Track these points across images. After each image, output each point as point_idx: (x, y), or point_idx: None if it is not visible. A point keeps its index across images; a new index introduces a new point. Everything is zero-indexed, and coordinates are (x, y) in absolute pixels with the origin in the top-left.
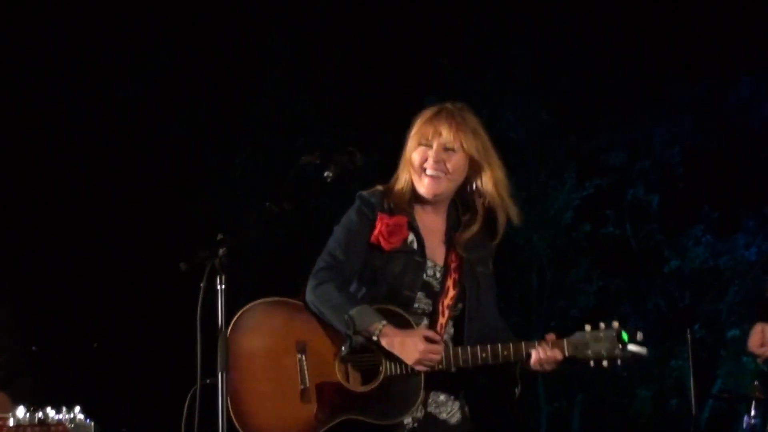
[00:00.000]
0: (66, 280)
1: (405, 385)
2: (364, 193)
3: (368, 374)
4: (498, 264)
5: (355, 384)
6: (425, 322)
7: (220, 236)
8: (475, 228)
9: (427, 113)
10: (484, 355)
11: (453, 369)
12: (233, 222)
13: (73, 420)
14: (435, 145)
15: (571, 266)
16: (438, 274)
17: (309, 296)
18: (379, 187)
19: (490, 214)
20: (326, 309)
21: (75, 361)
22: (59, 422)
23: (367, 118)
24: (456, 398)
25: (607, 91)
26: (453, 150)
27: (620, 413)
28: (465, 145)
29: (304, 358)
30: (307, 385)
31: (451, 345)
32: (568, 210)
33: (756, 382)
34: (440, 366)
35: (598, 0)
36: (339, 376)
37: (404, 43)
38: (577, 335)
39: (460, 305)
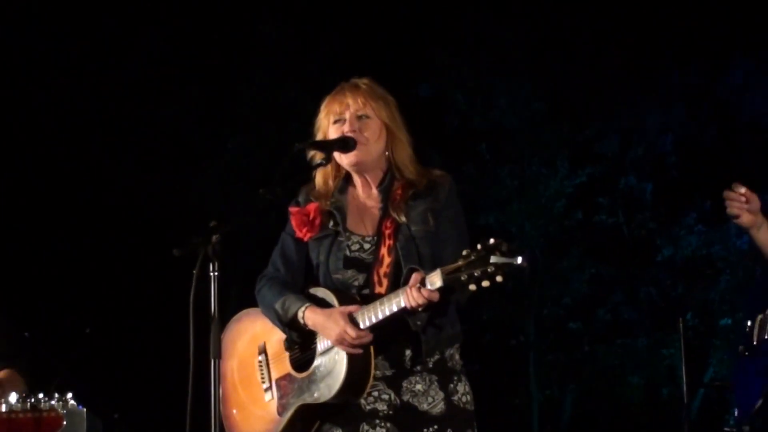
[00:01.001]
0: (57, 266)
1: (334, 363)
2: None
3: (311, 358)
4: None
5: (302, 370)
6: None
7: (213, 223)
8: (409, 191)
9: (331, 93)
10: (369, 314)
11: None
12: (226, 208)
13: (65, 406)
14: (348, 116)
15: (564, 254)
16: (367, 246)
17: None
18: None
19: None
20: (265, 311)
21: (67, 347)
22: (52, 408)
23: None
24: (441, 388)
25: (600, 79)
26: (366, 116)
27: (612, 401)
28: (377, 112)
29: (264, 357)
30: (269, 383)
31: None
32: (560, 198)
33: None
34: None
35: None
36: (289, 366)
37: (397, 29)
38: (452, 264)
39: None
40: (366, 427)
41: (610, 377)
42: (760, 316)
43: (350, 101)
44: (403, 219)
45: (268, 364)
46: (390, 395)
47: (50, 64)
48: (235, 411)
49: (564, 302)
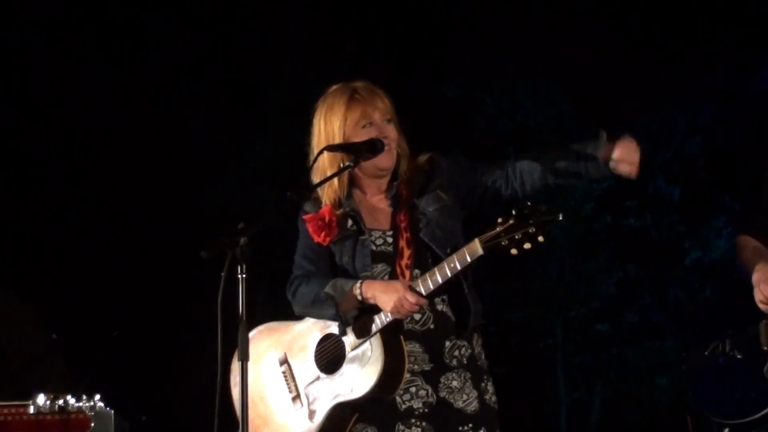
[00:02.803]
0: (87, 270)
1: (369, 355)
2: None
3: (340, 358)
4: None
5: (331, 371)
6: None
7: (241, 225)
8: (413, 188)
9: (342, 95)
10: (434, 278)
11: (426, 299)
12: (254, 211)
13: (93, 408)
14: (377, 119)
15: (592, 256)
16: (389, 239)
17: (295, 309)
18: (311, 184)
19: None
20: (309, 307)
21: (95, 349)
22: (80, 410)
23: None
24: (474, 386)
25: (627, 81)
26: (390, 120)
27: (640, 403)
28: (394, 117)
29: (286, 368)
30: (296, 391)
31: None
32: (588, 201)
33: None
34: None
35: None
36: (317, 370)
37: (423, 30)
38: (490, 232)
39: (429, 259)
40: (402, 427)
41: (638, 379)
42: (764, 321)
43: (379, 104)
44: (419, 207)
45: (292, 373)
46: (428, 390)
47: (80, 71)
48: (257, 429)
49: (592, 304)
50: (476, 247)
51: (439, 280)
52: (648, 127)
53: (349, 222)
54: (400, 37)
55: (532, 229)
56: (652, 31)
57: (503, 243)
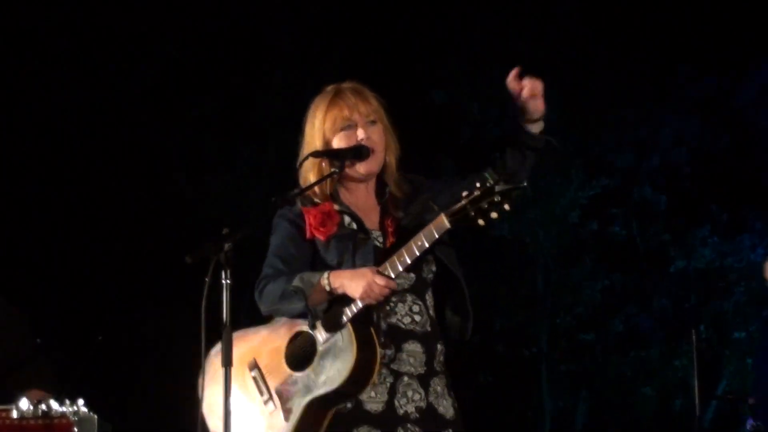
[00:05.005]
0: (70, 274)
1: (340, 347)
2: (280, 198)
3: (311, 354)
4: (504, 260)
5: (302, 369)
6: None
7: (225, 230)
8: (405, 188)
9: (326, 97)
10: (402, 258)
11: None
12: (239, 216)
13: (76, 413)
14: (360, 122)
15: (577, 264)
16: (381, 239)
17: (262, 308)
18: (295, 190)
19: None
20: (278, 304)
21: (79, 354)
22: (63, 414)
23: None
24: (449, 392)
25: (614, 91)
26: (374, 122)
27: (625, 412)
28: (379, 116)
29: (257, 372)
30: (268, 394)
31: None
32: (574, 208)
33: None
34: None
35: None
36: (288, 369)
37: (412, 37)
38: (455, 205)
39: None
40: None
41: (622, 388)
42: None
43: (361, 106)
44: (402, 214)
45: (263, 377)
46: (421, 395)
47: (68, 72)
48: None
49: (577, 312)
50: (442, 220)
51: (408, 260)
52: (635, 136)
53: (347, 220)
54: (389, 43)
55: (497, 198)
56: (640, 41)
57: (470, 214)
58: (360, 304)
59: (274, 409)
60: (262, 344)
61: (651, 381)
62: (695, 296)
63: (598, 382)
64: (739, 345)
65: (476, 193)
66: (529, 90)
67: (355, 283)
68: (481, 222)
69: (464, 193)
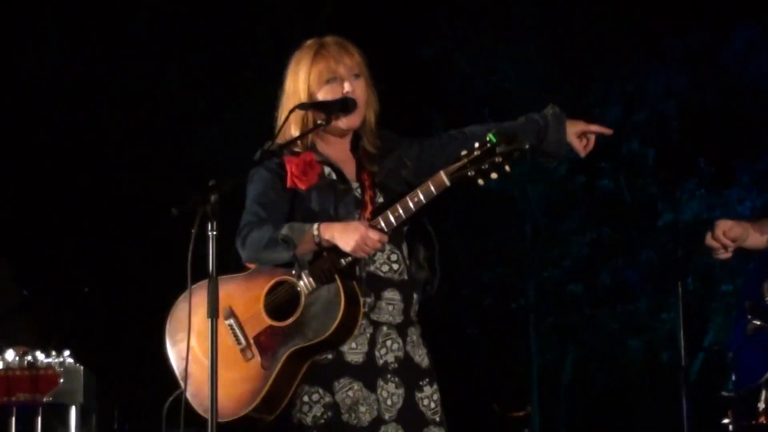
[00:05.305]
0: (58, 226)
1: (326, 299)
2: (262, 150)
3: (293, 305)
4: (492, 213)
5: (284, 319)
6: None
7: (212, 182)
8: (378, 144)
9: (309, 50)
10: (397, 213)
11: (388, 232)
12: (226, 168)
13: (62, 364)
14: (345, 75)
15: (565, 217)
16: (360, 191)
17: (244, 255)
18: (277, 141)
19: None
20: (264, 252)
21: (65, 306)
22: (49, 366)
23: None
24: (423, 343)
25: (603, 44)
26: (358, 76)
27: (612, 364)
28: (364, 72)
29: (233, 321)
30: (245, 342)
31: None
32: (563, 162)
33: None
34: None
35: None
36: (269, 320)
37: None
38: (455, 164)
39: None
40: (381, 383)
41: (610, 341)
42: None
43: (346, 59)
44: (383, 166)
45: (241, 325)
46: (399, 344)
47: (55, 29)
48: (202, 385)
49: (565, 265)
50: (442, 178)
51: (402, 214)
52: (623, 90)
53: (327, 170)
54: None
55: (498, 159)
56: None
57: (470, 173)
58: (349, 257)
59: (252, 357)
60: (237, 292)
61: (638, 334)
62: (683, 249)
63: (586, 334)
64: (726, 298)
65: (477, 152)
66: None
67: (347, 236)
68: (480, 182)
69: (463, 152)
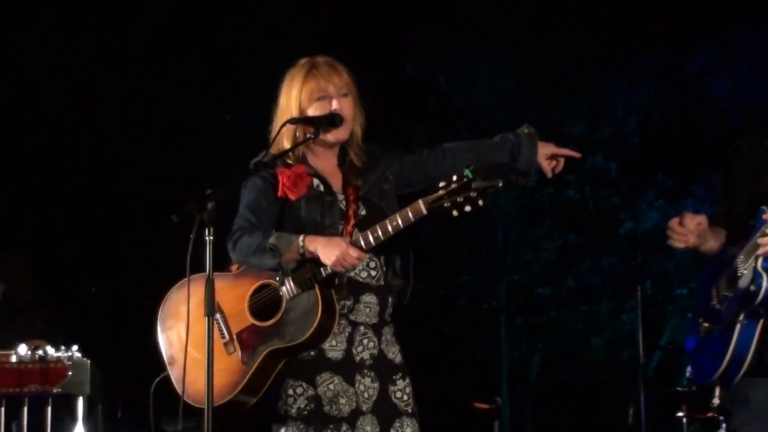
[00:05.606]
0: (66, 231)
1: (305, 306)
2: (256, 160)
3: (275, 307)
4: (467, 221)
5: (266, 320)
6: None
7: (208, 191)
8: (363, 158)
9: (302, 69)
10: (376, 234)
11: (366, 249)
12: (222, 178)
13: (71, 357)
14: (333, 94)
15: (535, 225)
16: (344, 203)
17: (233, 257)
18: (270, 151)
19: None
20: (252, 257)
21: (74, 305)
22: (58, 359)
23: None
24: (396, 340)
25: (572, 63)
26: (346, 94)
27: (576, 361)
28: (350, 89)
29: (218, 316)
30: (228, 337)
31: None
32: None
33: None
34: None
35: None
36: (252, 319)
37: (387, 13)
38: (433, 194)
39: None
40: (358, 377)
41: (574, 339)
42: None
43: (335, 79)
44: (362, 183)
45: (226, 321)
46: (374, 342)
47: (56, 36)
48: (188, 372)
49: (533, 269)
50: (420, 206)
51: (381, 236)
52: (589, 107)
53: (316, 182)
54: (366, 17)
55: (473, 194)
56: (597, 16)
57: (446, 205)
58: (329, 270)
59: (234, 351)
60: (225, 290)
61: (600, 333)
62: (642, 255)
63: (552, 333)
64: (681, 301)
65: (453, 185)
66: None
67: (329, 251)
68: (455, 213)
69: (442, 183)
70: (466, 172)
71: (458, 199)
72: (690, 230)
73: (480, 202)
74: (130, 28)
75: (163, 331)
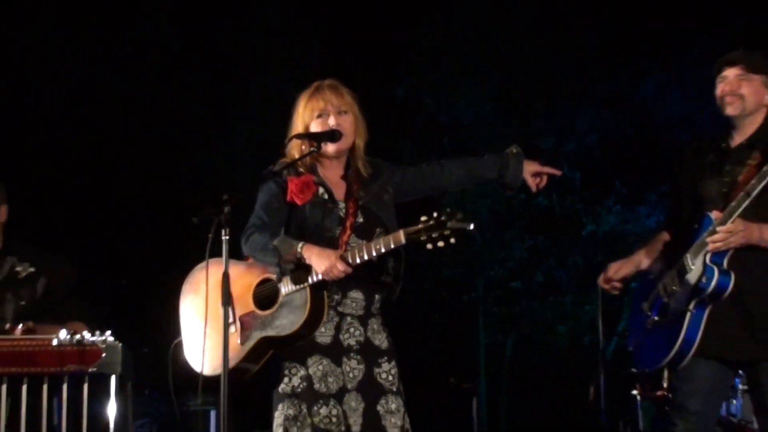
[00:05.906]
0: (102, 231)
1: (297, 303)
2: (271, 168)
3: (273, 300)
4: None
5: (265, 309)
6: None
7: (225, 196)
8: (368, 169)
9: (308, 91)
10: (362, 254)
11: (353, 265)
12: (236, 185)
13: (104, 341)
14: (332, 110)
15: (508, 227)
16: (344, 210)
17: (245, 251)
18: (284, 160)
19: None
20: (258, 253)
21: (108, 295)
22: (93, 343)
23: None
24: (383, 329)
25: (541, 86)
26: (345, 112)
27: (544, 346)
28: (351, 108)
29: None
30: (233, 317)
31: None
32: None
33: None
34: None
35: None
36: (253, 306)
37: (380, 39)
38: (413, 227)
39: (364, 241)
40: (345, 359)
41: (543, 327)
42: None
43: (334, 98)
44: (364, 195)
45: (232, 302)
46: (360, 331)
47: (65, 48)
48: (201, 339)
49: (507, 265)
50: (400, 236)
51: (365, 257)
52: (556, 125)
53: (321, 190)
54: (361, 43)
55: (447, 232)
56: (562, 46)
57: (422, 238)
58: (320, 277)
59: (234, 331)
60: (238, 276)
61: (565, 321)
62: (602, 254)
63: (523, 322)
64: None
65: (431, 222)
66: (543, 183)
67: (320, 260)
68: (429, 246)
69: (423, 218)
70: (445, 210)
71: (433, 235)
72: (614, 279)
73: (452, 240)
74: (131, 28)
75: (183, 303)
